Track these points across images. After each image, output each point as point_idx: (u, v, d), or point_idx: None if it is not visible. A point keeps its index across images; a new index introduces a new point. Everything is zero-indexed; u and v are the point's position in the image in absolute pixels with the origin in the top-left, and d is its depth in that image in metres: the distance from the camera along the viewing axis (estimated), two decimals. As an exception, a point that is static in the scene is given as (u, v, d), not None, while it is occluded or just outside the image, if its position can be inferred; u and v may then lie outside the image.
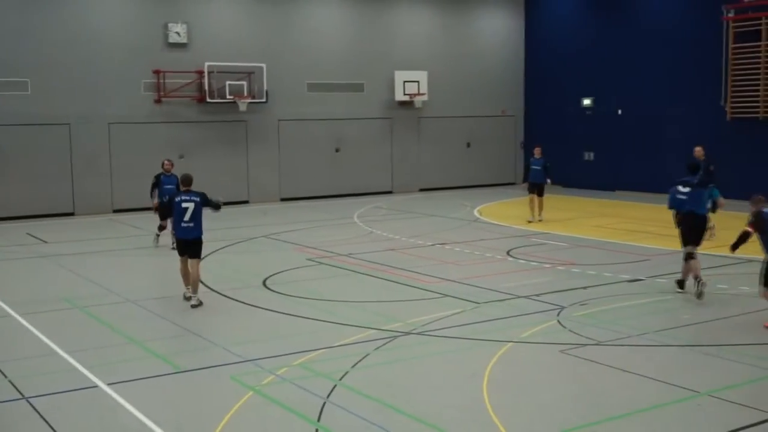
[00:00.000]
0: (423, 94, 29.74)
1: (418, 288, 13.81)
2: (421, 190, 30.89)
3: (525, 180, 21.72)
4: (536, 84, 32.43)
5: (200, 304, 12.82)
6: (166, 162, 18.51)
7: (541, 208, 21.63)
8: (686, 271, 13.10)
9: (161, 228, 18.43)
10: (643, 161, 28.27)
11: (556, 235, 19.27)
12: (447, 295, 13.16)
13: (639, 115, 28.45)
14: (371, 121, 29.75)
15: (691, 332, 10.92)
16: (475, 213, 23.96)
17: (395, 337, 10.76)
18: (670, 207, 13.46)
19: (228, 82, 26.16)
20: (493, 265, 15.83)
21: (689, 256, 13.00)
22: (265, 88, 26.92)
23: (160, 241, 18.49)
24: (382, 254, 17.11)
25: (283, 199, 28.08)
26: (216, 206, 13.28)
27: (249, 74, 26.74)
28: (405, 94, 29.51)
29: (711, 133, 26.37)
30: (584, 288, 13.58)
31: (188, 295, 13.06)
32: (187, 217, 12.86)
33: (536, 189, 21.59)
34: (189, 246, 12.97)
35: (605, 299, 12.82)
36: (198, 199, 12.93)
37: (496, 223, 21.80)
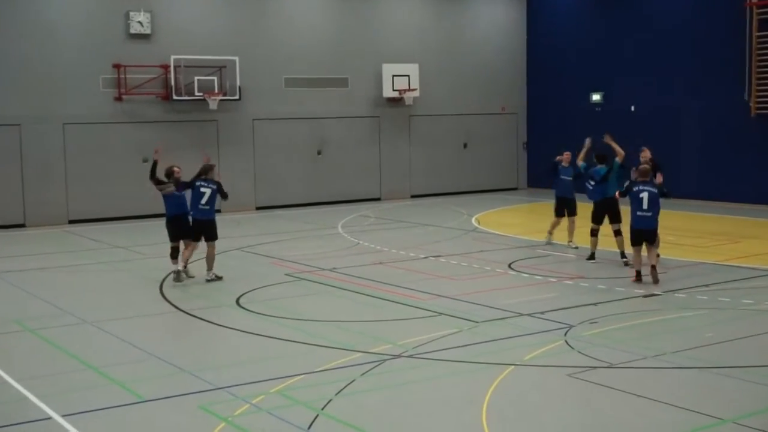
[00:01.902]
0: (414, 90, 29.80)
1: (409, 306, 13.80)
2: (413, 196, 30.92)
3: (552, 186, 19.42)
4: (540, 78, 32.54)
5: (218, 278, 15.95)
6: (176, 169, 16.30)
7: (573, 229, 19.02)
8: (594, 245, 17.53)
9: (175, 253, 16.13)
10: (658, 160, 28.26)
11: (562, 246, 19.29)
12: (441, 314, 13.15)
13: (654, 111, 28.54)
14: (356, 120, 29.78)
15: (713, 352, 10.93)
16: (473, 222, 23.97)
17: (384, 360, 10.75)
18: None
19: (196, 78, 26.15)
20: (493, 280, 15.84)
21: (595, 233, 17.47)
22: (237, 83, 26.93)
23: (182, 276, 15.92)
24: (369, 268, 17.10)
25: (258, 208, 28.05)
26: (225, 196, 16.28)
27: (220, 69, 26.74)
28: (394, 90, 29.56)
29: (734, 130, 26.53)
30: (594, 304, 13.59)
31: (179, 268, 15.74)
32: (204, 200, 15.88)
33: (567, 207, 18.97)
34: (204, 227, 15.99)
35: (618, 317, 12.84)
36: (215, 187, 16.01)
37: (496, 232, 21.81)
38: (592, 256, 17.45)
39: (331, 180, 29.41)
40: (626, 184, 15.87)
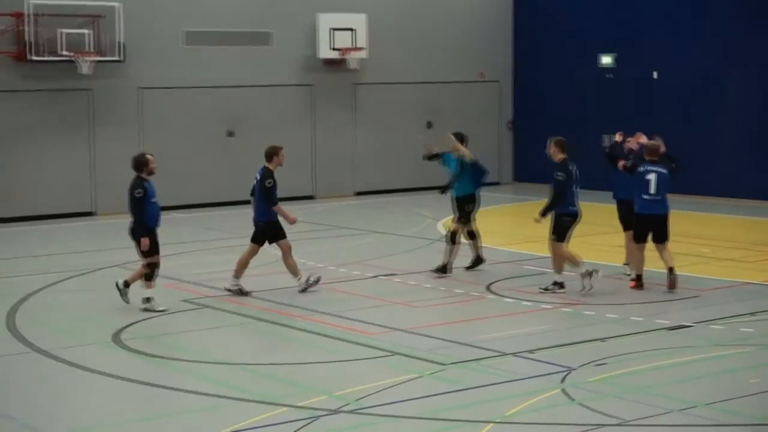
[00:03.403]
0: (361, 50, 29.86)
1: (351, 342, 13.80)
2: (358, 193, 30.99)
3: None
4: (531, 35, 32.69)
5: (311, 283, 16.86)
6: (150, 157, 16.59)
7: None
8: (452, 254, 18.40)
9: (150, 272, 16.19)
10: (692, 147, 28.44)
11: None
12: (396, 353, 13.16)
13: (684, 79, 28.74)
14: (282, 90, 29.76)
15: (760, 404, 11.04)
16: (439, 228, 24.03)
17: (317, 417, 10.72)
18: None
19: (62, 31, 25.94)
20: (466, 307, 15.93)
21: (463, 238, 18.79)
22: (119, 40, 26.76)
23: (131, 298, 16.22)
24: (297, 292, 17.08)
25: (148, 209, 27.85)
26: (269, 194, 16.81)
27: (95, 19, 26.56)
28: (333, 49, 29.59)
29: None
30: (602, 340, 13.68)
31: (234, 284, 16.78)
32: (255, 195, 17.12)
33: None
34: (258, 231, 17.07)
35: (633, 356, 12.92)
36: (258, 177, 16.97)
37: (470, 242, 21.87)
38: (444, 269, 18.21)
39: (247, 172, 29.11)
40: (631, 162, 16.79)
